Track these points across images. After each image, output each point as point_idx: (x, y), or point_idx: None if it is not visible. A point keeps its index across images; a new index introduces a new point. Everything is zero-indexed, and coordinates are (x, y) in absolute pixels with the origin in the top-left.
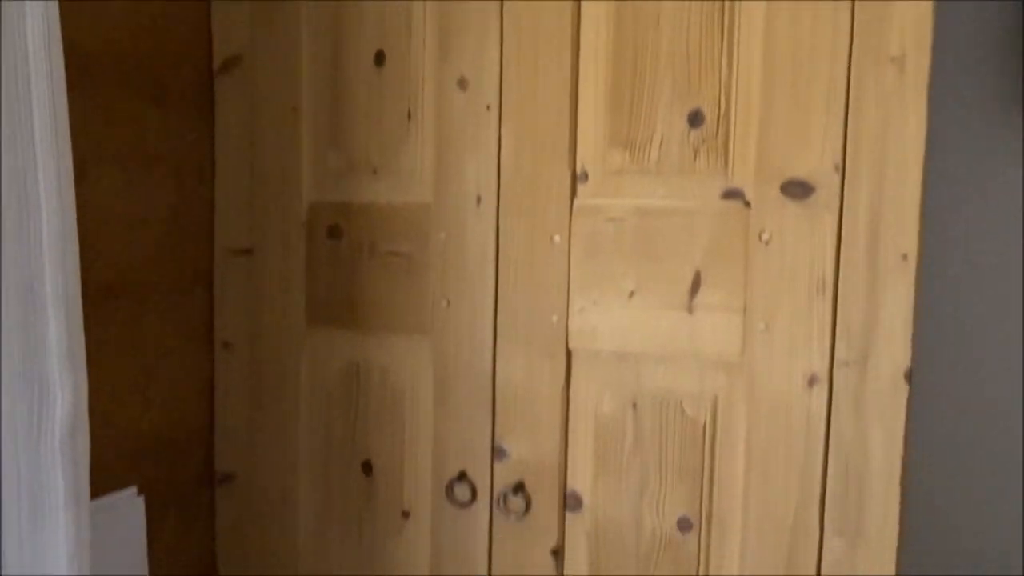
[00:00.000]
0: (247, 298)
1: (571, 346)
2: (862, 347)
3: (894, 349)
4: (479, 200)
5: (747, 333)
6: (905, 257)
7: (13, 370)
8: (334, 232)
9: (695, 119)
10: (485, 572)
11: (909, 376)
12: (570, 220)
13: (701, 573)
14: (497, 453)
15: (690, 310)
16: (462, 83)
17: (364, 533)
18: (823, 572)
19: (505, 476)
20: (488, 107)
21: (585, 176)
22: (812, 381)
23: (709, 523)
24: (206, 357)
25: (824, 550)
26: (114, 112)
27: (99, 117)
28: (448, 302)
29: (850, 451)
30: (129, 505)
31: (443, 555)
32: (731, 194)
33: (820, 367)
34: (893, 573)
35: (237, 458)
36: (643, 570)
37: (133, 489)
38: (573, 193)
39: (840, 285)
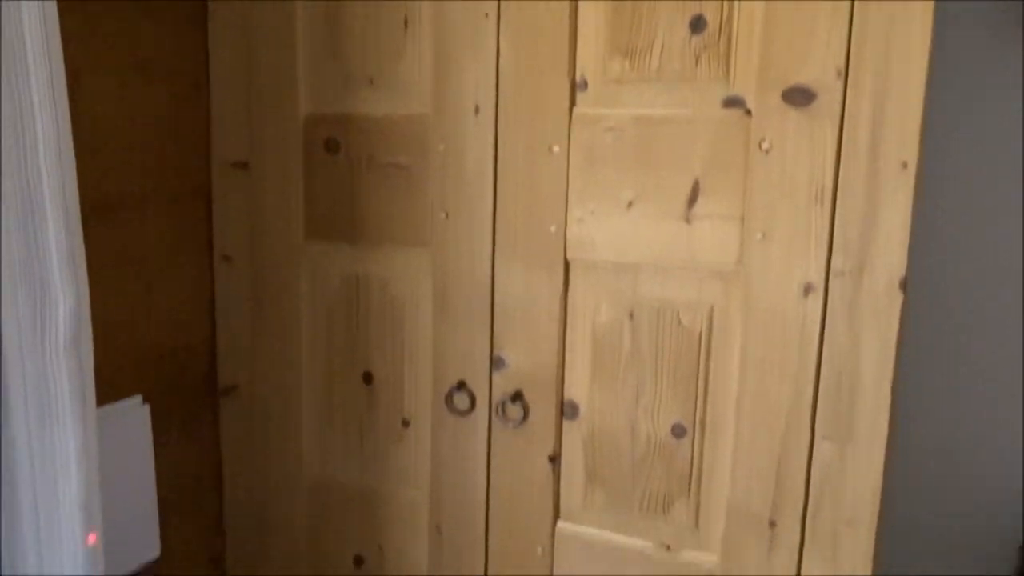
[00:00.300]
0: (245, 212)
1: (569, 257)
2: (859, 256)
3: (890, 258)
4: (477, 110)
5: (744, 242)
6: (905, 165)
7: (14, 274)
8: (331, 145)
9: (697, 25)
10: (484, 478)
11: (904, 285)
12: (569, 130)
13: (694, 477)
14: (496, 363)
15: (688, 220)
16: None
17: (365, 441)
18: (812, 475)
19: (503, 385)
20: (487, 15)
21: (584, 84)
22: (808, 290)
23: (702, 429)
24: (206, 270)
25: (814, 454)
26: (107, 21)
27: (92, 26)
28: (447, 214)
29: (843, 358)
30: (135, 412)
31: (442, 462)
32: (732, 102)
33: (816, 276)
34: (880, 476)
35: (239, 370)
36: (637, 475)
37: (138, 397)
38: (572, 102)
39: (839, 194)
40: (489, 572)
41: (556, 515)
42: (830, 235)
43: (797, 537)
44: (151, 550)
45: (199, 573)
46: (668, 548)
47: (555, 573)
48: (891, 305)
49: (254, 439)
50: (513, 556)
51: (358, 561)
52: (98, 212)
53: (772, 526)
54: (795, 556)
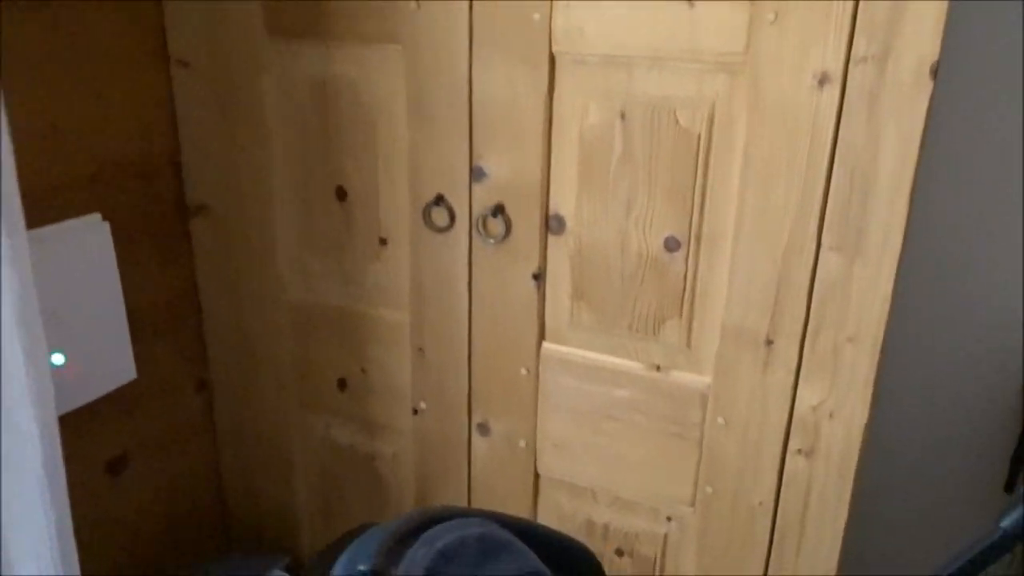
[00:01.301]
0: (202, 10)
1: (554, 50)
2: (885, 39)
3: (921, 40)
4: None
5: (753, 26)
6: None
7: None
8: None
9: None
10: (466, 298)
11: (935, 71)
12: None
13: (687, 294)
14: (475, 173)
15: (690, 1)
16: None
17: (344, 260)
18: (815, 289)
19: (484, 198)
20: None
21: None
22: (823, 80)
23: (698, 242)
24: (163, 77)
25: (819, 266)
26: None
27: None
28: (418, 3)
29: (859, 158)
30: (94, 231)
31: (423, 281)
32: None
33: (834, 64)
34: (890, 291)
35: (208, 188)
36: (627, 292)
37: (97, 215)
38: None
39: None
40: (473, 394)
41: (541, 335)
42: (853, 15)
43: (795, 356)
44: (125, 372)
45: (186, 400)
46: (658, 368)
47: (540, 394)
48: (918, 96)
49: (230, 261)
50: (497, 378)
51: (342, 384)
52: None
53: (769, 344)
54: (792, 376)
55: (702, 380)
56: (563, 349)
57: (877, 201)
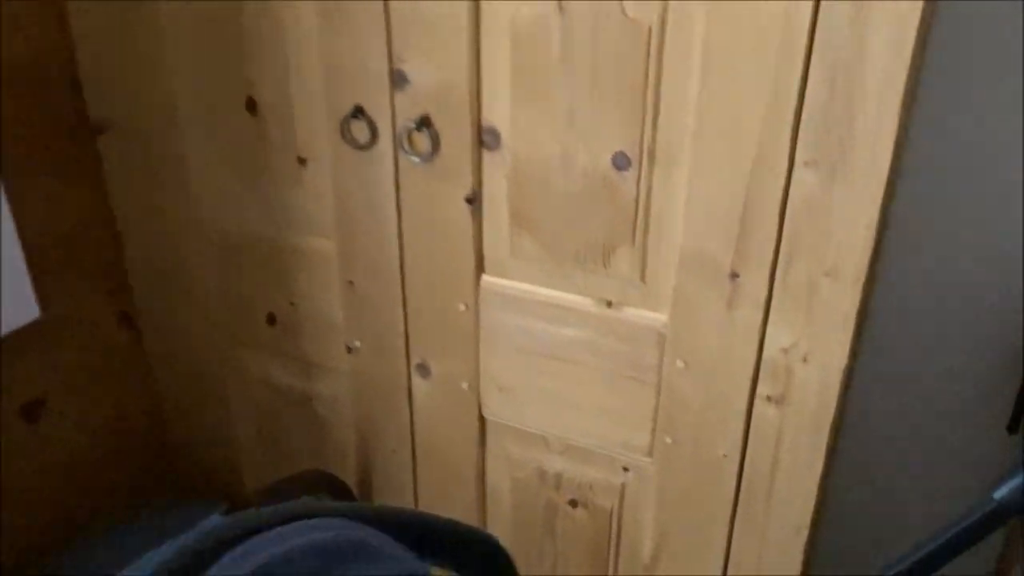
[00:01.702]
0: None
1: None
2: None
3: None
4: None
5: None
6: None
7: None
8: None
9: None
10: (395, 225)
11: None
12: None
13: (639, 219)
14: (396, 80)
15: None
16: None
17: (262, 183)
18: (788, 213)
19: (407, 109)
20: None
21: None
22: None
23: (651, 158)
24: None
25: (792, 186)
26: None
27: None
28: None
29: (840, 55)
30: None
31: (347, 207)
32: None
33: None
34: (876, 216)
35: (112, 101)
36: (572, 217)
37: None
38: None
39: None
40: (409, 331)
41: (480, 267)
42: None
43: (764, 291)
44: (26, 310)
45: (108, 336)
46: (609, 305)
47: (482, 333)
48: None
49: (143, 184)
50: (434, 314)
51: (271, 319)
52: None
53: (734, 278)
54: (760, 314)
55: (658, 318)
56: (504, 282)
57: (863, 107)
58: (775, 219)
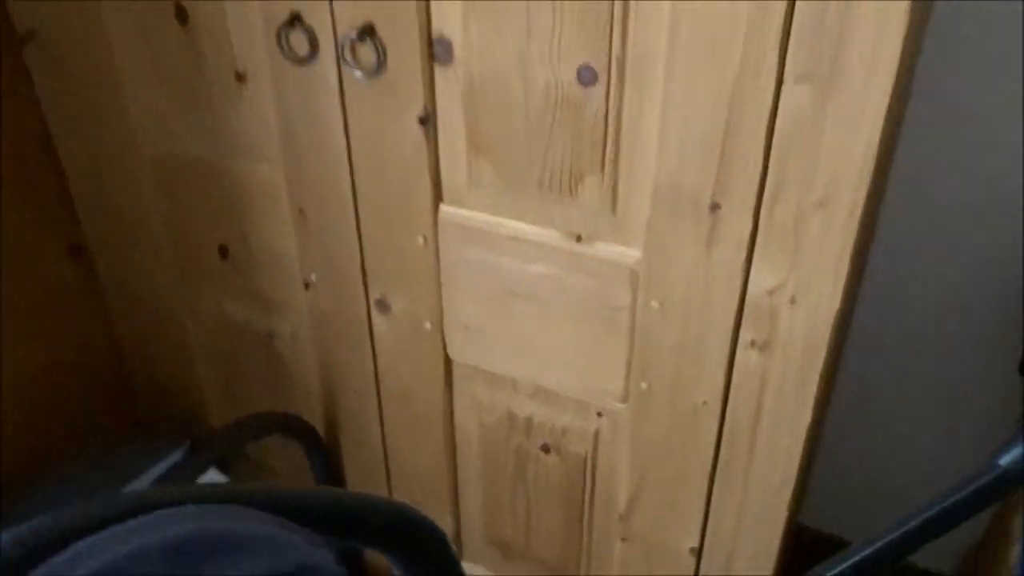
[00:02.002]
0: None
1: None
2: None
3: None
4: None
5: None
6: None
7: None
8: None
9: None
10: (343, 149)
11: None
12: None
13: (609, 142)
14: None
15: None
16: None
17: (200, 102)
18: (776, 135)
19: (348, 16)
20: None
21: None
22: None
23: (620, 71)
24: None
25: (780, 104)
26: None
27: None
28: None
29: None
30: None
31: (292, 128)
32: None
33: None
34: (876, 138)
35: (34, 11)
36: (535, 140)
37: None
38: None
39: None
40: (367, 265)
41: (437, 196)
42: None
43: (748, 225)
44: None
45: (56, 269)
46: (578, 239)
47: (443, 268)
48: None
49: (74, 105)
50: (392, 247)
51: (223, 252)
52: None
53: (714, 210)
54: (743, 251)
55: (631, 254)
56: (464, 213)
57: (863, 10)
58: (760, 142)
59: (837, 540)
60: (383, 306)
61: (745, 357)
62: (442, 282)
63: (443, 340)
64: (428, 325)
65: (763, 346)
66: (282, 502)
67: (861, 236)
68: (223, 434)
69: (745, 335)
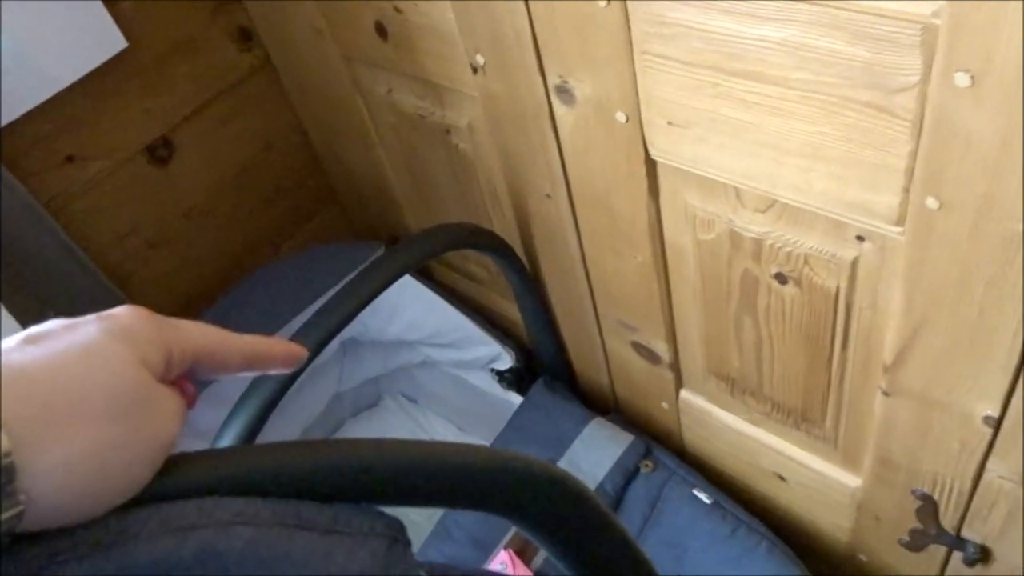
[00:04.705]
0: None
1: None
2: None
3: None
4: None
5: None
6: None
7: None
8: None
9: None
10: None
11: None
12: None
13: None
14: None
15: None
16: None
17: None
18: None
19: None
20: None
21: None
22: None
23: None
24: None
25: None
26: None
27: None
28: None
29: None
30: None
31: None
32: None
33: None
34: None
35: None
36: None
37: None
38: None
39: None
40: (539, 42)
41: None
42: None
43: None
44: (109, 42)
45: (226, 55)
46: None
47: (635, 40)
48: None
49: None
50: (567, 14)
51: (380, 30)
52: None
53: None
54: None
55: (922, 2)
56: None
57: None
58: None
59: None
60: (565, 93)
61: None
62: (635, 59)
63: (643, 136)
64: (622, 117)
65: None
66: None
67: None
68: (409, 244)
69: None
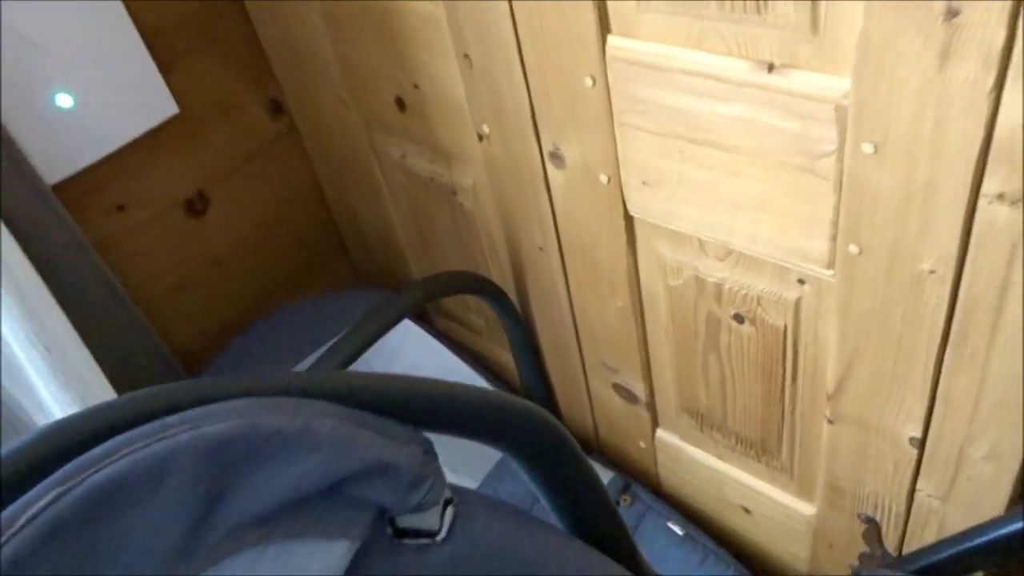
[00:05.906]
0: None
1: None
2: None
3: None
4: None
5: None
6: None
7: None
8: None
9: None
10: None
11: None
12: None
13: None
14: None
15: None
16: None
17: None
18: None
19: None
20: None
21: None
22: None
23: None
24: None
25: None
26: None
27: None
28: None
29: None
30: None
31: None
32: None
33: None
34: None
35: None
36: None
37: None
38: None
39: None
40: (536, 113)
41: (604, 27)
42: None
43: (1000, 33)
44: (161, 106)
45: (260, 126)
46: (770, 69)
47: (615, 113)
48: None
49: None
50: (559, 91)
51: (400, 104)
52: None
53: (951, 17)
54: (991, 71)
55: (837, 84)
56: (635, 45)
57: None
58: None
59: None
60: (557, 158)
61: (989, 213)
62: (615, 129)
63: (622, 195)
64: (604, 178)
65: (1014, 199)
66: (363, 392)
67: None
68: (412, 288)
69: (990, 185)
